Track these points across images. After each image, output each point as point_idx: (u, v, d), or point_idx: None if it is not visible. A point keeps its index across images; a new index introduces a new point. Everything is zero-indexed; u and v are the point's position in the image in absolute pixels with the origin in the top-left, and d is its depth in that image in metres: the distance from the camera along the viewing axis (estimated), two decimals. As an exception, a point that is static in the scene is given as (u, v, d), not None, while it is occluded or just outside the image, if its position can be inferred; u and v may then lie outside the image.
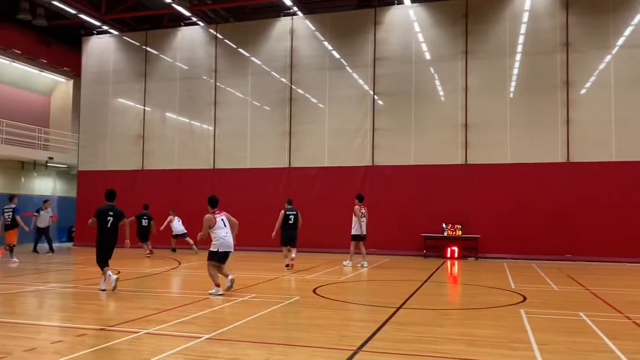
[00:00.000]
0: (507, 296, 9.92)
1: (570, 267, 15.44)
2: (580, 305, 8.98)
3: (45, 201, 19.80)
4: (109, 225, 10.17)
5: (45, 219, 19.31)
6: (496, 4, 19.04)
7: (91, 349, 5.73)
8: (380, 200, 19.46)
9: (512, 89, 18.86)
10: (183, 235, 19.25)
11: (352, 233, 14.88)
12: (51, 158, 24.83)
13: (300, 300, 9.12)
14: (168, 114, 23.12)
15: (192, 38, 22.70)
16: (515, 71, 18.86)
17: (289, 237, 14.18)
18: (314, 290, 10.25)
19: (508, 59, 18.87)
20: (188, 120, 22.75)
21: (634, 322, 7.51)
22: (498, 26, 19.00)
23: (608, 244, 17.15)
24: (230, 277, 9.87)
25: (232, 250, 10.01)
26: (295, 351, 5.83)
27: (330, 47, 20.85)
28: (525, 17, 18.77)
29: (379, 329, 6.87)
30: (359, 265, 14.83)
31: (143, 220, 18.29)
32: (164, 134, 22.83)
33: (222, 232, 9.81)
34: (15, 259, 15.78)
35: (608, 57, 17.95)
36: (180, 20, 22.69)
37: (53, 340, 6.22)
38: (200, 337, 6.26)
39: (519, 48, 18.83)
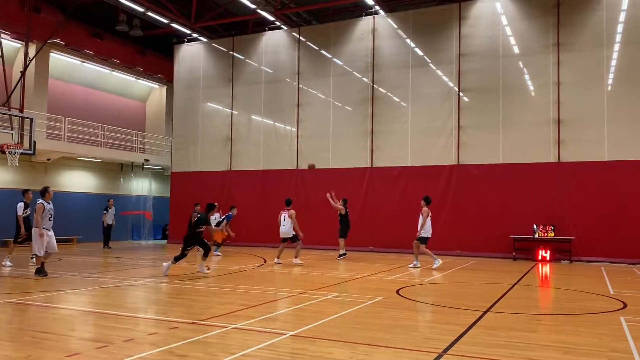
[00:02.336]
0: (605, 302, 9.29)
1: (679, 273, 14.17)
2: (691, 314, 8.22)
3: (110, 199, 21.23)
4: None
5: (111, 216, 20.83)
6: (591, -8, 17.87)
7: (184, 342, 6.02)
8: (466, 200, 18.92)
9: (610, 82, 17.63)
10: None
11: (423, 235, 14.70)
12: (147, 160, 26.39)
13: (383, 301, 9.06)
14: (254, 117, 23.84)
15: (275, 42, 23.25)
16: (614, 62, 17.61)
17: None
18: (397, 291, 10.14)
19: (605, 50, 17.63)
20: (272, 122, 23.33)
21: None
22: (593, 15, 17.81)
23: None
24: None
25: (282, 236, 15.19)
26: (379, 351, 5.80)
27: (412, 45, 20.54)
28: (625, 4, 17.47)
29: (465, 333, 6.67)
30: (410, 266, 14.73)
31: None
32: (250, 136, 23.56)
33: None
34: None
35: None
36: (264, 25, 23.32)
37: (149, 332, 6.61)
38: (285, 334, 6.39)
39: (618, 37, 17.55)
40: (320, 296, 9.41)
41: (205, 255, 12.79)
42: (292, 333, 6.46)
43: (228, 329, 6.66)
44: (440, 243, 18.74)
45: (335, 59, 21.92)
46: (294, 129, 22.49)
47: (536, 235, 17.66)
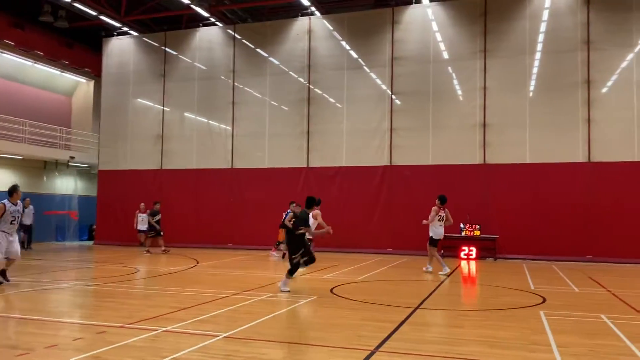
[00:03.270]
0: (526, 297, 9.81)
1: (591, 269, 15.20)
2: (602, 307, 8.84)
3: (26, 199, 20.13)
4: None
5: (29, 216, 19.62)
6: (515, 2, 18.82)
7: (111, 346, 5.80)
8: (398, 200, 19.40)
9: (531, 88, 18.64)
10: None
11: (433, 238, 13.52)
12: (72, 158, 25.21)
13: (317, 300, 9.12)
14: (187, 114, 23.32)
15: (210, 38, 22.86)
16: (535, 70, 18.64)
17: None
18: (331, 290, 10.25)
19: (527, 58, 18.64)
20: (206, 120, 22.92)
21: (657, 325, 7.37)
22: (517, 24, 18.78)
23: (630, 245, 16.84)
24: None
25: None
26: (313, 350, 5.84)
27: (348, 47, 20.83)
28: (546, 15, 18.53)
29: (396, 329, 6.84)
30: (425, 269, 13.80)
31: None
32: (183, 134, 23.03)
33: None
34: None
35: (630, 56, 17.64)
36: (198, 21, 22.86)
37: (74, 337, 6.32)
38: (217, 336, 6.30)
39: (539, 46, 18.60)
40: (254, 297, 9.35)
41: (308, 262, 10.27)
42: (225, 335, 6.38)
43: (159, 332, 6.49)
44: (373, 241, 19.13)
45: (271, 58, 21.84)
46: (229, 128, 22.21)
47: (463, 234, 18.38)
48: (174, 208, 19.86)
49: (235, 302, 8.73)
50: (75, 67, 26.01)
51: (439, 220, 13.58)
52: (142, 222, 19.91)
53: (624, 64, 17.72)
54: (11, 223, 10.48)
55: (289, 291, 9.77)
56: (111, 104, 24.23)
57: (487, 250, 18.13)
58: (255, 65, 22.08)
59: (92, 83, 27.52)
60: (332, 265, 14.96)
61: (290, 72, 21.49)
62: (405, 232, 19.01)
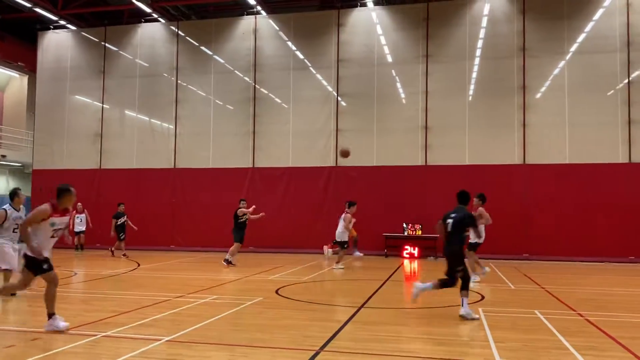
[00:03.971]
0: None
1: (527, 267, 15.88)
2: (536, 303, 9.25)
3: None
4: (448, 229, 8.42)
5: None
6: (456, 9, 19.42)
7: (46, 353, 5.56)
8: (344, 200, 19.52)
9: (471, 92, 19.29)
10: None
11: (474, 241, 11.99)
12: (4, 156, 23.96)
13: (262, 301, 9.08)
14: (127, 112, 22.64)
15: (152, 35, 22.29)
16: (474, 75, 19.30)
17: None
18: (276, 291, 10.22)
19: (467, 63, 19.28)
20: (148, 119, 22.34)
21: (586, 319, 7.79)
22: (458, 30, 19.39)
23: (563, 243, 17.70)
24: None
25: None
26: (258, 352, 5.81)
27: (294, 48, 20.84)
28: (484, 22, 19.22)
29: (341, 329, 6.91)
30: (482, 273, 12.37)
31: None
32: (123, 133, 22.34)
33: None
34: None
35: (562, 63, 18.57)
36: (140, 17, 22.24)
37: (5, 344, 6.01)
38: (160, 340, 6.16)
39: (478, 52, 19.27)
40: (198, 299, 9.20)
41: (465, 286, 8.09)
42: (167, 338, 6.24)
43: (97, 338, 6.27)
44: (318, 242, 19.21)
45: (216, 56, 21.55)
46: (172, 127, 21.73)
47: (406, 234, 18.78)
48: (114, 209, 19.18)
49: (178, 305, 8.56)
50: (7, 60, 24.75)
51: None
52: (79, 223, 19.19)
53: (556, 71, 18.63)
54: (13, 231, 9.39)
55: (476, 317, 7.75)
56: (47, 101, 23.16)
57: (429, 249, 18.59)
58: (200, 63, 21.72)
59: (26, 78, 26.27)
60: (277, 266, 14.93)
61: (236, 71, 21.28)
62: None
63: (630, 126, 17.80)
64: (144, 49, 22.30)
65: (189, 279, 12.25)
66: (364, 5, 20.27)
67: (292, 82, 20.66)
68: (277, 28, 21.05)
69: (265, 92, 20.97)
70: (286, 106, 20.76)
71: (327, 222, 19.51)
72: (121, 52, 22.53)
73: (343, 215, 15.17)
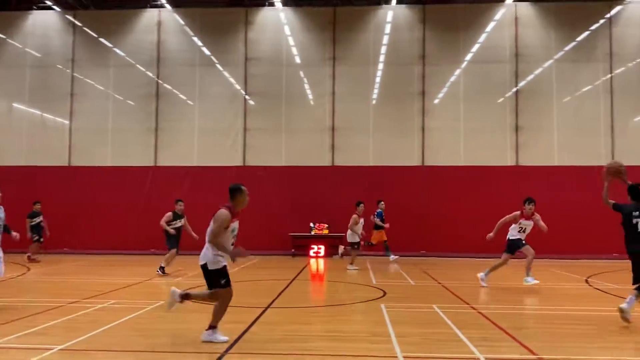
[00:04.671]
0: (369, 292, 10.45)
1: (425, 263, 16.68)
2: (434, 298, 9.75)
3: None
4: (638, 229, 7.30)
5: None
6: (361, 15, 19.99)
7: None
8: (251, 200, 19.36)
9: (375, 96, 19.94)
10: None
11: (514, 238, 11.11)
12: None
13: (164, 305, 8.76)
14: (16, 105, 20.95)
15: (46, 24, 20.79)
16: (378, 79, 19.97)
17: None
18: (179, 294, 9.91)
19: (372, 67, 19.92)
20: (40, 112, 20.81)
21: (478, 312, 8.32)
22: (363, 36, 19.96)
23: (458, 240, 18.73)
24: None
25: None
26: (161, 358, 5.62)
27: (200, 43, 20.36)
28: (388, 29, 19.94)
29: (246, 330, 6.86)
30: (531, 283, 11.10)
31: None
32: (11, 126, 20.63)
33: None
34: None
35: (458, 71, 19.73)
36: (32, 3, 20.67)
37: None
38: (52, 349, 5.76)
39: (382, 58, 19.97)
40: (95, 304, 8.72)
41: None
42: (61, 347, 5.85)
43: (-21, 350, 5.75)
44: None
45: (116, 49, 20.53)
46: (67, 122, 20.40)
47: (312, 233, 19.02)
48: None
49: (73, 312, 8.06)
50: None
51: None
52: None
53: (453, 78, 19.75)
54: None
55: None
56: None
57: (335, 248, 18.92)
58: (98, 55, 20.58)
59: None
60: (179, 269, 14.50)
61: (138, 65, 20.40)
62: (256, 233, 19.09)
63: (517, 132, 19.26)
64: (36, 38, 20.74)
65: (84, 284, 11.57)
66: (272, 4, 20.26)
67: (198, 79, 20.19)
68: (183, 23, 20.47)
69: (169, 87, 20.30)
70: (191, 103, 20.25)
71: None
72: (9, 40, 20.78)
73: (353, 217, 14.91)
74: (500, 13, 19.66)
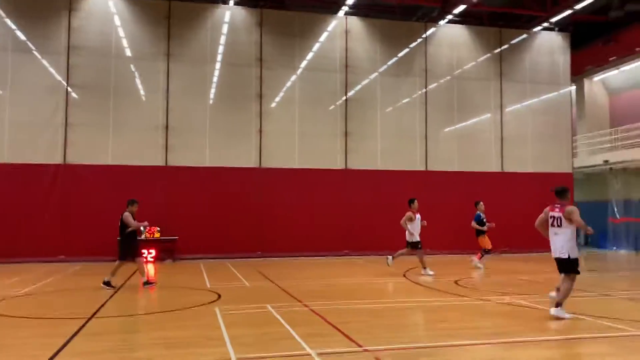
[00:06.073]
0: (203, 295, 10.27)
1: (261, 264, 16.88)
2: (268, 298, 9.92)
3: None
4: None
5: None
6: (198, 12, 19.56)
7: None
8: (72, 201, 17.83)
9: (212, 96, 19.67)
10: None
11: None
12: None
13: (-35, 322, 7.66)
14: None
15: None
16: (216, 79, 19.74)
17: None
18: (-15, 308, 8.75)
19: (209, 67, 19.62)
20: None
21: (310, 309, 8.68)
22: (200, 33, 19.55)
23: (292, 241, 19.31)
24: None
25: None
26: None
27: (13, 26, 18.14)
28: (225, 29, 19.82)
29: (67, 343, 6.29)
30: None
31: None
32: None
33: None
34: None
35: (294, 77, 20.36)
36: None
37: None
38: None
39: (220, 57, 19.78)
40: None
41: None
42: None
43: None
44: (43, 249, 17.15)
45: None
46: None
47: (143, 236, 18.06)
48: None
49: None
50: None
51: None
52: None
53: (289, 84, 20.32)
54: None
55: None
56: None
57: (167, 251, 18.27)
58: None
59: None
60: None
61: None
62: (81, 238, 17.63)
63: (346, 137, 20.49)
64: None
65: None
66: (100, -9, 18.86)
67: (10, 66, 17.96)
68: (-8, 1, 18.06)
69: (-26, 74, 17.77)
70: (1, 92, 17.95)
71: (52, 227, 17.53)
72: None
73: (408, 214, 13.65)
74: (332, 24, 20.74)
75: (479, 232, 14.97)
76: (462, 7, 20.46)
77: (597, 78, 25.48)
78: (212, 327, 7.23)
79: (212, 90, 19.67)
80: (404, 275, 13.60)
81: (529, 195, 19.46)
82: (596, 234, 20.97)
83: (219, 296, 10.08)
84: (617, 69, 24.14)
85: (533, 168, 21.85)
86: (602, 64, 24.26)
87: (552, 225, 7.96)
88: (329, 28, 20.75)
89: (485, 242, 14.94)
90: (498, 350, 6.12)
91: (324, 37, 20.68)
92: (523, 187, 20.88)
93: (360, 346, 6.16)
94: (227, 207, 19.09)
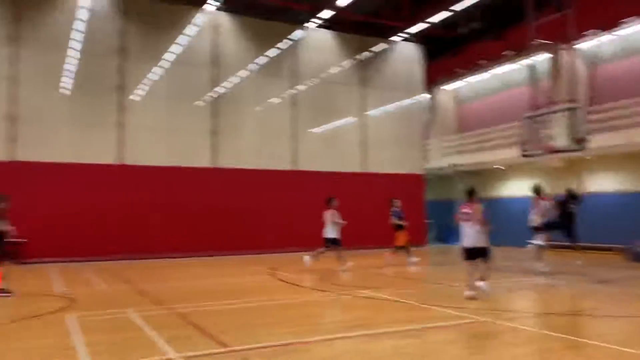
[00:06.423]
0: (55, 302, 9.51)
1: (123, 267, 15.98)
2: (129, 301, 9.46)
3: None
4: None
5: None
6: (54, -6, 18.03)
7: None
8: None
9: (68, 86, 18.21)
10: None
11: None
12: None
13: None
14: None
15: None
16: (72, 68, 18.30)
17: None
18: None
19: (64, 54, 18.13)
20: None
21: (175, 311, 8.45)
22: (54, 17, 18.02)
23: (158, 242, 18.48)
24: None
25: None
26: None
27: None
28: (83, 15, 18.45)
29: None
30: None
31: None
32: None
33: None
34: None
35: (161, 70, 19.56)
36: None
37: None
38: None
39: (76, 45, 18.35)
40: None
41: None
42: None
43: None
44: None
45: None
46: None
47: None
48: None
49: None
50: None
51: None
52: None
53: (155, 77, 19.48)
54: None
55: None
56: None
57: (13, 255, 16.52)
58: None
59: None
60: None
61: None
62: None
63: (215, 135, 20.18)
64: None
65: None
66: None
67: None
68: None
69: None
70: None
71: None
72: None
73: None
74: (201, 19, 20.28)
75: (399, 227, 15.26)
76: (329, 13, 21.19)
77: (447, 88, 27.84)
78: (64, 335, 6.74)
79: (69, 80, 18.21)
80: (271, 274, 13.78)
81: (386, 195, 20.67)
82: (442, 229, 22.89)
83: (74, 301, 9.40)
84: (463, 80, 26.59)
85: (390, 169, 23.31)
86: (451, 75, 26.59)
87: (464, 220, 9.39)
88: (198, 22, 20.28)
89: (402, 238, 15.28)
90: (358, 343, 6.48)
91: (192, 31, 20.15)
92: (381, 186, 22.14)
93: (227, 346, 6.16)
94: (83, 207, 17.77)
